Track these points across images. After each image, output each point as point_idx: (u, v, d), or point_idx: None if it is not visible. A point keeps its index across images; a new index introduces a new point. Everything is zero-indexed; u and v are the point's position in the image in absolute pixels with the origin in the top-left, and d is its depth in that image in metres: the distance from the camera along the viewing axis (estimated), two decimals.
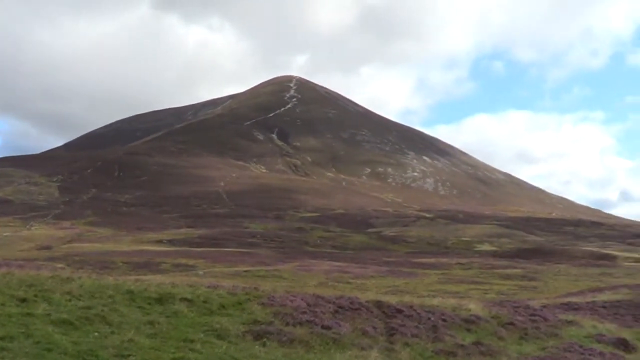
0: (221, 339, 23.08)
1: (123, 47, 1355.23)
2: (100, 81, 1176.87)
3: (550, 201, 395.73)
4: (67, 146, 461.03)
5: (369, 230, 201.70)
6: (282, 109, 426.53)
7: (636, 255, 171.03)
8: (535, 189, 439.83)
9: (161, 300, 27.06)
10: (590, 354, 28.89)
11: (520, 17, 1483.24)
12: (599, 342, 33.33)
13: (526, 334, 32.02)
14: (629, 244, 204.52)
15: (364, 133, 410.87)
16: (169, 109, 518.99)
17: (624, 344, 33.10)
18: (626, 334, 36.84)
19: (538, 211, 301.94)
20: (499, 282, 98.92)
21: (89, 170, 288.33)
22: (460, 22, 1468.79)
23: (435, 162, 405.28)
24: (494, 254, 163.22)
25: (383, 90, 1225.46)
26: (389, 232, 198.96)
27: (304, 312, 28.24)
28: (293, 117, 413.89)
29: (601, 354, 29.64)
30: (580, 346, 30.91)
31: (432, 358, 24.64)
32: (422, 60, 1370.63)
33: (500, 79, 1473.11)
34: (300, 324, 26.27)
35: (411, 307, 32.40)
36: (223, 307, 27.62)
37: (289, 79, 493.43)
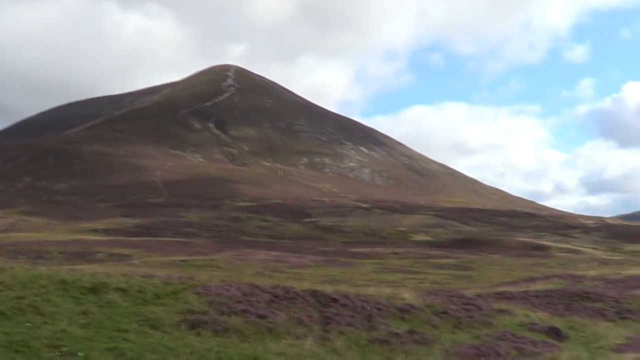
0: (155, 328, 22.97)
1: (60, 32, 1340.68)
2: (37, 67, 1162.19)
3: (485, 192, 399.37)
4: (1, 134, 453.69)
5: (306, 220, 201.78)
6: (220, 98, 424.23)
7: (569, 246, 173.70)
8: (471, 180, 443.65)
9: (95, 290, 26.83)
10: (522, 342, 29.27)
11: (459, 10, 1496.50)
12: (531, 330, 33.80)
13: (460, 323, 32.33)
14: (562, 234, 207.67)
15: (301, 123, 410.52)
16: (107, 96, 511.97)
17: (555, 333, 33.62)
18: (558, 323, 37.41)
19: (473, 202, 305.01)
20: (434, 271, 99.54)
21: (23, 159, 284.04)
22: (400, 15, 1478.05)
23: (373, 152, 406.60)
24: (429, 244, 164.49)
25: (322, 81, 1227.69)
26: (325, 221, 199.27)
27: (239, 302, 28.23)
28: (231, 106, 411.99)
29: (533, 342, 30.06)
30: (513, 334, 31.33)
31: (367, 347, 24.75)
32: (361, 51, 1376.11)
33: (438, 71, 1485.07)
34: (236, 313, 26.26)
35: (346, 296, 32.53)
36: (157, 296, 27.47)
37: (227, 67, 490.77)
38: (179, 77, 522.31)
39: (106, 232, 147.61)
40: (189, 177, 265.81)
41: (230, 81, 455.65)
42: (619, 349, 31.55)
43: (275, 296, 30.30)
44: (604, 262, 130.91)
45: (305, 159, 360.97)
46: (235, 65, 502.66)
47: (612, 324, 42.26)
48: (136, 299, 26.52)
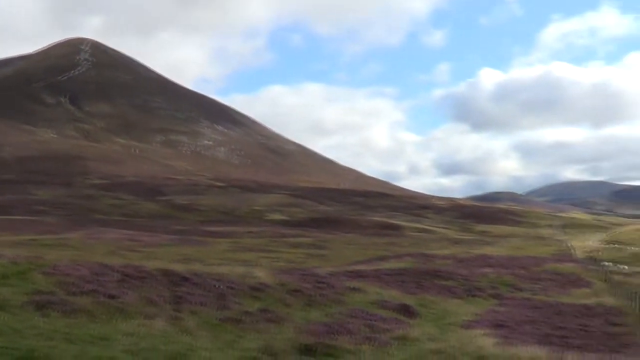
0: (1, 309, 22.25)
1: None
2: None
3: (341, 172, 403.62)
4: None
5: (161, 198, 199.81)
6: (74, 73, 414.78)
7: (421, 226, 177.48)
8: (327, 160, 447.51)
9: None
10: (374, 320, 29.60)
11: None
12: (383, 308, 34.29)
13: (312, 301, 32.51)
14: (415, 214, 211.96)
15: (158, 100, 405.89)
16: None
17: (406, 310, 34.20)
18: (409, 300, 38.11)
19: (329, 182, 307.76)
20: (289, 250, 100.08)
21: None
22: None
23: (230, 131, 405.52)
24: (285, 223, 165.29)
25: (180, 57, 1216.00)
26: (180, 200, 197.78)
27: (89, 282, 27.63)
28: (85, 81, 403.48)
29: (385, 319, 30.44)
30: (365, 312, 31.68)
31: (219, 326, 24.57)
32: (221, 29, 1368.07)
33: (298, 51, 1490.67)
34: (85, 293, 25.65)
35: (199, 275, 32.31)
36: (4, 277, 26.59)
37: (82, 41, 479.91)
38: (32, 49, 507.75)
39: None
40: (41, 154, 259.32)
41: (85, 55, 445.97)
42: (468, 325, 32.30)
43: (126, 275, 29.80)
44: (455, 242, 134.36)
45: (161, 137, 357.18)
46: (91, 39, 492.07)
47: (462, 301, 43.33)
48: None
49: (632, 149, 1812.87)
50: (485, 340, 26.57)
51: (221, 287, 30.82)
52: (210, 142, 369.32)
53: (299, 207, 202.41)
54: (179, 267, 34.41)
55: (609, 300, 49.62)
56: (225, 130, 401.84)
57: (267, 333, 23.50)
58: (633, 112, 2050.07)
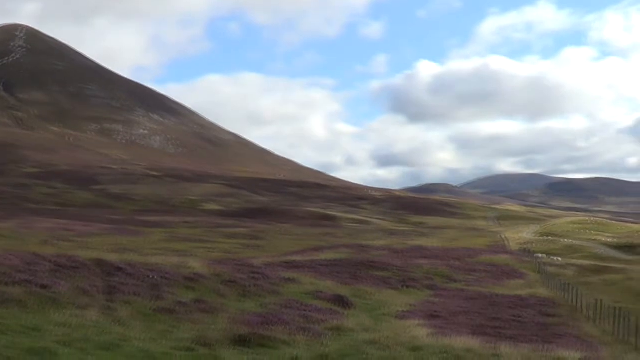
0: None
1: None
2: None
3: (277, 163, 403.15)
4: None
5: (95, 187, 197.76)
6: (8, 59, 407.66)
7: (357, 217, 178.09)
8: (263, 150, 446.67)
9: None
10: (309, 310, 29.66)
11: None
12: (318, 298, 34.37)
13: (247, 292, 32.49)
14: (351, 205, 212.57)
15: (93, 88, 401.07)
16: None
17: (341, 301, 34.31)
18: (344, 291, 38.26)
19: (265, 172, 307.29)
20: (224, 240, 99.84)
21: None
22: None
23: (166, 120, 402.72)
24: (220, 213, 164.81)
25: (116, 45, 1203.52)
26: (115, 189, 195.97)
27: (21, 271, 27.24)
28: (20, 68, 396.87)
29: (319, 309, 30.52)
30: (300, 302, 31.73)
31: (152, 316, 24.39)
32: (158, 16, 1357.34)
33: (235, 41, 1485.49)
34: (17, 283, 25.26)
35: (133, 265, 32.08)
36: None
37: (17, 27, 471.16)
38: None
39: None
40: None
41: (20, 42, 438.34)
42: (402, 316, 32.53)
43: (59, 265, 29.46)
44: (391, 233, 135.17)
45: (96, 125, 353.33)
46: (26, 25, 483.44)
47: (397, 292, 43.62)
48: None
49: (566, 142, 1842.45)
50: (419, 331, 26.78)
51: (155, 277, 30.62)
52: (146, 131, 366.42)
53: (235, 198, 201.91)
54: (112, 257, 34.13)
55: (542, 292, 50.36)
56: (161, 120, 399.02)
57: (201, 323, 23.40)
58: (568, 106, 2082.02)
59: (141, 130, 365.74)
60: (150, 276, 30.49)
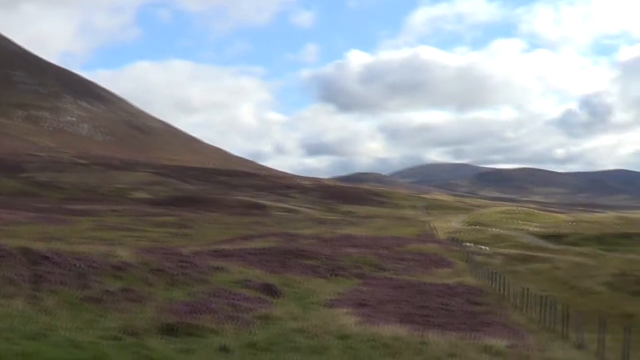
0: None
1: None
2: None
3: (206, 151, 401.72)
4: None
5: (21, 175, 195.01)
6: None
7: (286, 205, 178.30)
8: (192, 138, 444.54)
9: None
10: (237, 299, 29.62)
11: None
12: (246, 287, 34.34)
13: (175, 280, 32.32)
14: (280, 194, 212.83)
15: (20, 74, 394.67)
16: None
17: (270, 289, 34.32)
18: (273, 280, 38.29)
19: (194, 160, 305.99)
20: (152, 229, 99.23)
21: None
22: None
23: (94, 107, 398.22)
24: (149, 202, 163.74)
25: (44, 31, 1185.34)
26: (41, 177, 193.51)
27: None
28: None
29: (248, 298, 30.50)
30: (228, 291, 31.67)
31: (79, 305, 24.13)
32: (87, 2, 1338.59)
33: (165, 28, 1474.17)
34: None
35: (59, 254, 31.67)
36: None
37: None
38: None
39: None
40: None
41: None
42: (331, 304, 32.65)
43: None
44: (320, 222, 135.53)
45: (22, 112, 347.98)
46: None
47: (325, 280, 43.75)
48: None
49: (495, 133, 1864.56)
50: (348, 319, 26.94)
51: (82, 266, 30.28)
52: (74, 118, 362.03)
53: (164, 186, 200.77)
54: (39, 246, 33.67)
55: (470, 280, 50.91)
56: (89, 107, 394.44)
57: (128, 313, 23.24)
58: (496, 97, 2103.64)
59: (69, 117, 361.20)
60: (77, 265, 30.14)
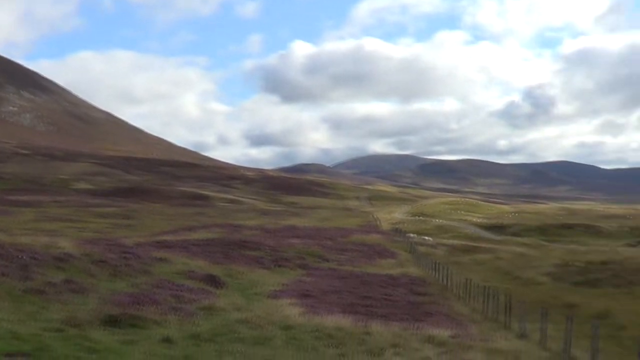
0: None
1: None
2: None
3: (149, 141, 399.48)
4: None
5: None
6: None
7: (229, 196, 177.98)
8: (135, 129, 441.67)
9: None
10: (180, 290, 29.55)
11: None
12: (189, 278, 34.28)
13: (118, 271, 32.15)
14: (223, 185, 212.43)
15: None
16: None
17: (213, 280, 34.28)
18: (216, 271, 38.24)
19: (137, 151, 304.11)
20: (95, 220, 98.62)
21: None
22: None
23: (36, 97, 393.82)
24: (92, 193, 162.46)
25: None
26: None
27: None
28: None
29: (191, 289, 30.45)
30: (171, 282, 31.58)
31: (21, 297, 23.93)
32: None
33: (109, 17, 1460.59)
34: None
35: (1, 245, 31.39)
36: None
37: None
38: None
39: None
40: None
41: None
42: (275, 295, 32.71)
43: None
44: (264, 213, 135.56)
45: None
46: None
47: (269, 271, 43.81)
48: None
49: (438, 124, 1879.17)
50: (291, 310, 27.03)
51: (24, 257, 30.02)
52: (15, 109, 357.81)
53: (106, 177, 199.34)
54: None
55: (413, 271, 51.33)
56: (32, 97, 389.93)
57: (71, 304, 23.10)
58: (440, 88, 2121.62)
59: (10, 107, 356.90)
60: (19, 256, 29.88)
